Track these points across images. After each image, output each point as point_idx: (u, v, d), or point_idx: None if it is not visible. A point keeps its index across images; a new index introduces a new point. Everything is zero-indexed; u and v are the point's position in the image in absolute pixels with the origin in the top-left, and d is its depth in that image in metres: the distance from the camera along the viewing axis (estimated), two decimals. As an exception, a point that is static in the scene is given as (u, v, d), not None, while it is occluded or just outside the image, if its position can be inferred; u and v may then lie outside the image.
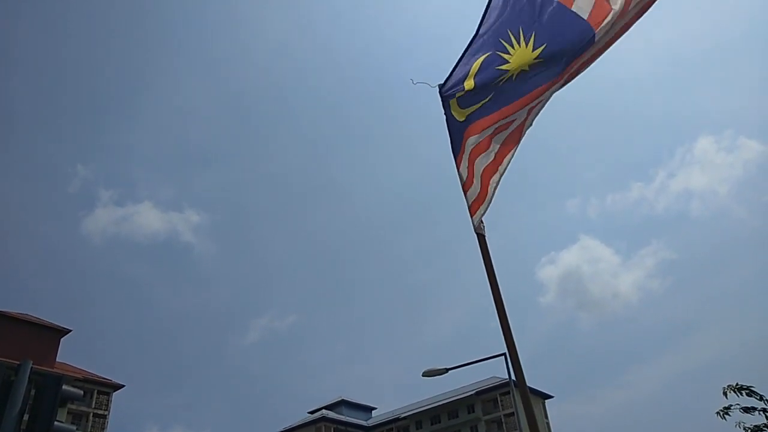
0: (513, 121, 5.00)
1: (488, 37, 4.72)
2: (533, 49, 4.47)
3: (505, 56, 4.60)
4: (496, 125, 4.98)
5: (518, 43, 4.55)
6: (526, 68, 4.49)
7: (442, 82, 5.12)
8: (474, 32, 4.88)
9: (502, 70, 4.59)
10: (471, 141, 5.02)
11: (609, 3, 4.29)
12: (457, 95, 4.99)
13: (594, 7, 4.32)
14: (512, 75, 4.61)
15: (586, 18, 4.34)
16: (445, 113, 5.15)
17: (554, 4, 4.47)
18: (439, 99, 5.11)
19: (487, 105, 4.94)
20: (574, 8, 4.38)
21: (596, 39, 4.29)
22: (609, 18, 4.25)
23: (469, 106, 4.98)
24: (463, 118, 5.04)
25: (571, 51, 4.39)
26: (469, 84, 4.79)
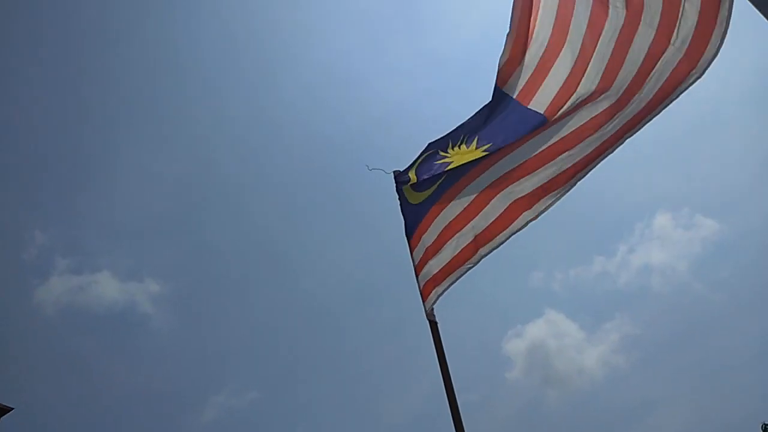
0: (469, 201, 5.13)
1: (443, 139, 4.91)
2: (476, 148, 4.66)
3: (443, 153, 4.81)
4: (453, 209, 5.10)
5: (458, 147, 4.75)
6: (472, 159, 4.69)
7: (401, 170, 5.26)
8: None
9: (444, 162, 4.78)
10: (430, 224, 5.10)
11: (571, 91, 4.22)
12: (410, 183, 5.13)
13: (553, 98, 4.30)
14: (455, 166, 4.80)
15: (542, 112, 4.37)
16: (399, 198, 5.25)
17: (510, 104, 4.53)
18: (394, 185, 5.25)
19: (439, 188, 5.10)
20: (531, 106, 4.42)
21: (547, 122, 4.32)
22: (568, 103, 4.22)
23: (425, 190, 5.12)
24: (419, 201, 5.15)
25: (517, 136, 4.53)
26: (412, 176, 5.00)
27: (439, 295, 4.92)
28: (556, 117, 4.33)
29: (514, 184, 4.67)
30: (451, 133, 4.84)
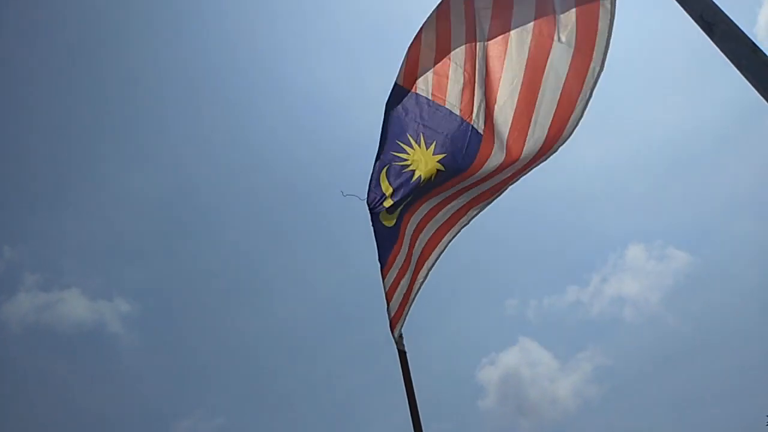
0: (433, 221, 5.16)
1: (388, 144, 4.91)
2: (433, 154, 4.70)
3: (403, 155, 4.81)
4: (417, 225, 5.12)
5: (417, 145, 4.77)
6: (434, 172, 4.71)
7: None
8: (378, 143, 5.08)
9: (408, 171, 4.78)
10: (401, 246, 5.09)
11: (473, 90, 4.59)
12: (387, 207, 5.11)
13: (462, 98, 4.64)
14: (424, 178, 4.81)
15: (482, 131, 4.61)
16: (372, 224, 5.22)
17: (455, 119, 4.73)
18: (368, 211, 5.21)
19: (404, 208, 5.10)
20: (447, 106, 4.71)
21: (479, 130, 4.55)
22: (476, 105, 4.55)
23: (395, 212, 5.10)
24: (393, 223, 5.12)
25: (468, 160, 4.63)
26: (388, 202, 4.96)
27: (404, 321, 4.91)
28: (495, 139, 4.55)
29: (459, 198, 4.90)
30: (393, 133, 4.85)
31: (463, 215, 4.98)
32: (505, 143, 4.49)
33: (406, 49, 4.82)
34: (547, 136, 4.31)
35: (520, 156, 4.45)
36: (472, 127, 4.66)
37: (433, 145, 4.74)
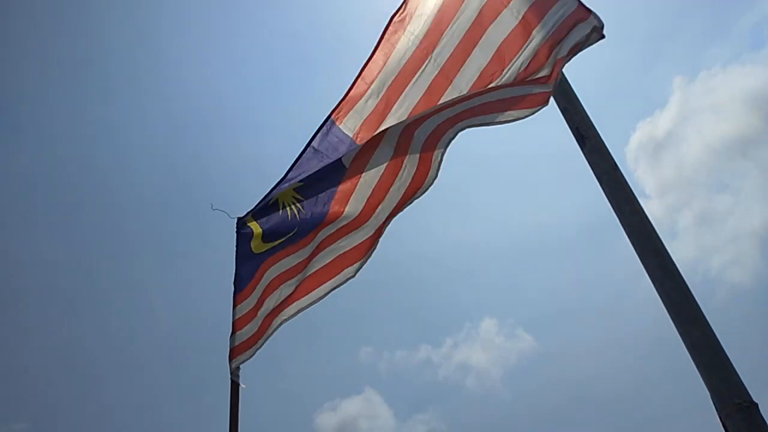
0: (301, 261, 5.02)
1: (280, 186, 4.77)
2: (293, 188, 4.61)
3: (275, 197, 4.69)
4: (287, 264, 4.95)
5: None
6: (300, 206, 4.60)
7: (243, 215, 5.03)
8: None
9: (277, 208, 4.66)
10: (265, 276, 4.90)
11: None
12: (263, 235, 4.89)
13: (363, 124, 4.60)
14: (287, 205, 4.69)
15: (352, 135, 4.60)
16: (237, 247, 5.00)
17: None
18: (235, 232, 5.00)
19: (286, 240, 4.93)
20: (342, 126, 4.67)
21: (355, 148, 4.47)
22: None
23: (272, 241, 4.89)
24: (261, 251, 4.90)
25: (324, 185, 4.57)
26: (254, 227, 4.78)
27: (252, 355, 4.71)
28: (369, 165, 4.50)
29: (343, 238, 4.72)
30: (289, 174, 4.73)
31: (349, 265, 4.78)
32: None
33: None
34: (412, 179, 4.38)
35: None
36: (340, 159, 4.60)
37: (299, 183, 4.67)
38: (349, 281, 4.75)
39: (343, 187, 4.60)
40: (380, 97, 4.70)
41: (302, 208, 4.65)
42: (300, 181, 4.60)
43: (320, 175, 4.56)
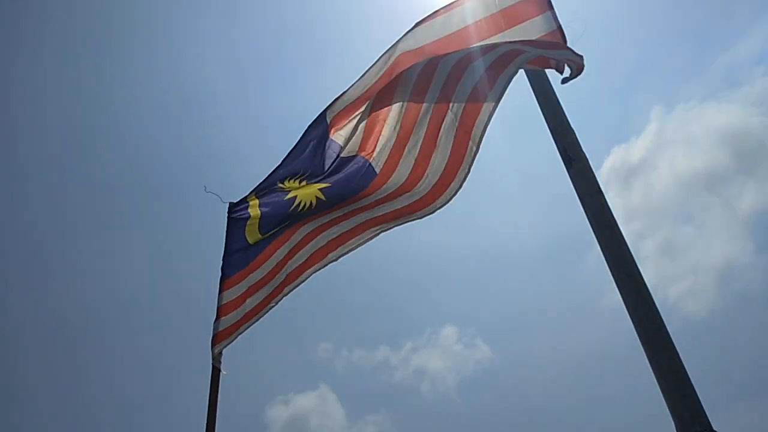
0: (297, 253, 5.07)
1: (283, 170, 4.80)
2: (315, 184, 4.65)
3: (282, 186, 4.68)
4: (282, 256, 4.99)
5: (298, 182, 4.70)
6: (313, 199, 4.63)
7: (236, 201, 5.04)
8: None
9: (289, 198, 4.66)
10: (263, 265, 4.92)
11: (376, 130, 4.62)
12: (252, 219, 4.90)
13: (362, 141, 4.63)
14: (304, 204, 4.69)
15: (357, 152, 4.65)
16: (227, 232, 5.01)
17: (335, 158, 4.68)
18: (225, 216, 5.01)
19: (280, 230, 4.94)
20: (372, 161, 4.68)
21: (375, 168, 4.59)
22: (379, 145, 4.59)
23: (269, 231, 4.90)
24: (256, 240, 4.91)
25: (354, 190, 4.64)
26: (254, 212, 4.78)
27: (233, 339, 4.78)
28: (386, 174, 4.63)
29: (333, 227, 4.88)
30: (284, 165, 4.72)
31: (333, 249, 4.96)
32: (400, 183, 4.61)
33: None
34: (429, 192, 4.54)
35: (402, 194, 4.64)
36: (370, 163, 4.71)
37: (318, 181, 4.71)
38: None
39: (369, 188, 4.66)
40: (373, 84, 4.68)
41: (316, 205, 4.70)
42: (327, 181, 4.63)
43: (348, 178, 4.62)
